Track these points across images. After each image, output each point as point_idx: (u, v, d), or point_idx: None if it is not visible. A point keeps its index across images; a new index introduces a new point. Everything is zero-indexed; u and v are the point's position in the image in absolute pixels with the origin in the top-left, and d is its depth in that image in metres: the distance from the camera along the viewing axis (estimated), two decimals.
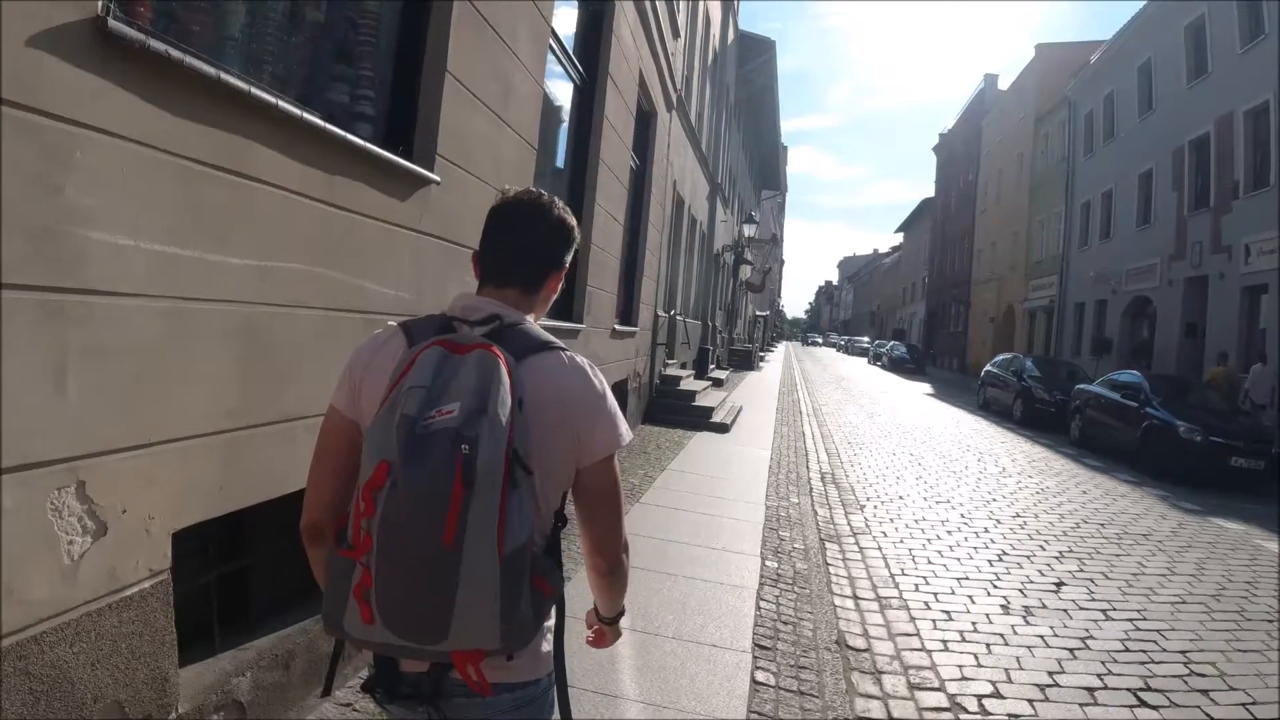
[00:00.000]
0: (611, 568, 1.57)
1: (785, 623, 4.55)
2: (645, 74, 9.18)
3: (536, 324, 1.53)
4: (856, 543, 6.63)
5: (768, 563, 5.62)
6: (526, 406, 1.30)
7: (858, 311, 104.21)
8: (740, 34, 22.89)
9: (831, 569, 5.80)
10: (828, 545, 6.43)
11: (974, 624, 4.93)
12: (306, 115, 2.69)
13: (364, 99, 3.56)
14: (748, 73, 24.21)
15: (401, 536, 1.17)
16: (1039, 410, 18.08)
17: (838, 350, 69.92)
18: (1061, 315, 30.84)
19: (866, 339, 67.14)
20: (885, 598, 5.28)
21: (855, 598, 5.23)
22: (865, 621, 4.81)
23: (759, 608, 4.69)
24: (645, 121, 10.21)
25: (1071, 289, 29.98)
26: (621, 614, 1.78)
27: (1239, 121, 18.89)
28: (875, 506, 8.11)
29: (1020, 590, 5.68)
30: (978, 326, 42.13)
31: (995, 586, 5.72)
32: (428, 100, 3.71)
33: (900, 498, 8.65)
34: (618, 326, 8.66)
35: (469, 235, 4.13)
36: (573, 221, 1.65)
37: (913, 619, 4.93)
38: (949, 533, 7.20)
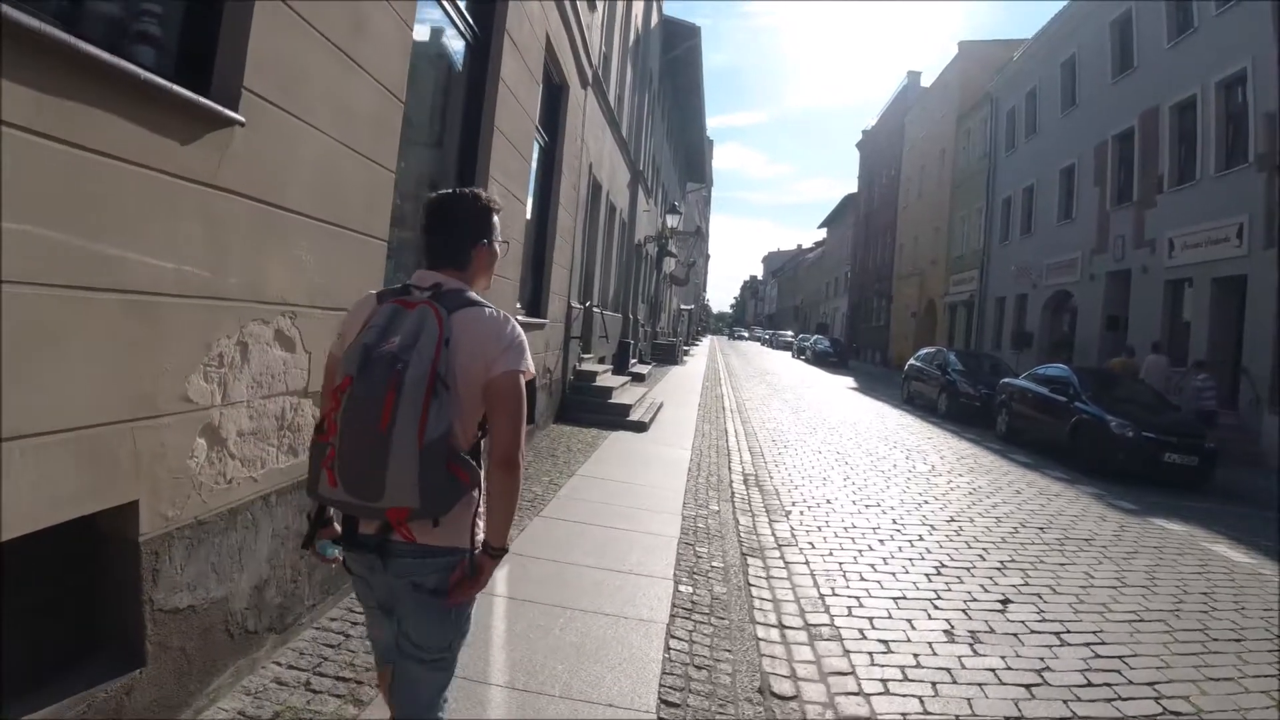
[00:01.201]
0: (503, 463, 1.96)
1: (699, 667, 3.81)
2: (554, 41, 8.35)
3: (475, 290, 2.12)
4: (782, 557, 5.97)
5: (682, 587, 4.89)
6: (452, 343, 1.91)
7: (782, 306, 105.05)
8: (664, 19, 22.16)
9: (754, 591, 5.11)
10: (750, 561, 5.74)
11: (916, 656, 4.28)
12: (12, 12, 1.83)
13: (148, 15, 2.68)
14: (672, 60, 23.50)
15: (353, 425, 1.83)
16: (964, 404, 17.90)
17: (762, 344, 70.01)
18: (982, 309, 31.10)
19: (790, 333, 67.44)
20: (815, 626, 4.60)
21: (781, 627, 4.55)
22: (793, 658, 4.12)
23: (668, 649, 3.94)
24: (555, 95, 9.38)
25: (992, 283, 30.24)
26: (505, 551, 2.05)
27: (1165, 116, 18.96)
28: (801, 512, 7.48)
29: (964, 610, 5.09)
30: (900, 320, 42.49)
31: (936, 607, 5.11)
32: (233, 20, 2.84)
33: (828, 501, 8.06)
34: (522, 318, 7.82)
35: (296, 195, 3.27)
36: (488, 203, 2.21)
37: (846, 652, 4.26)
38: (881, 542, 6.60)
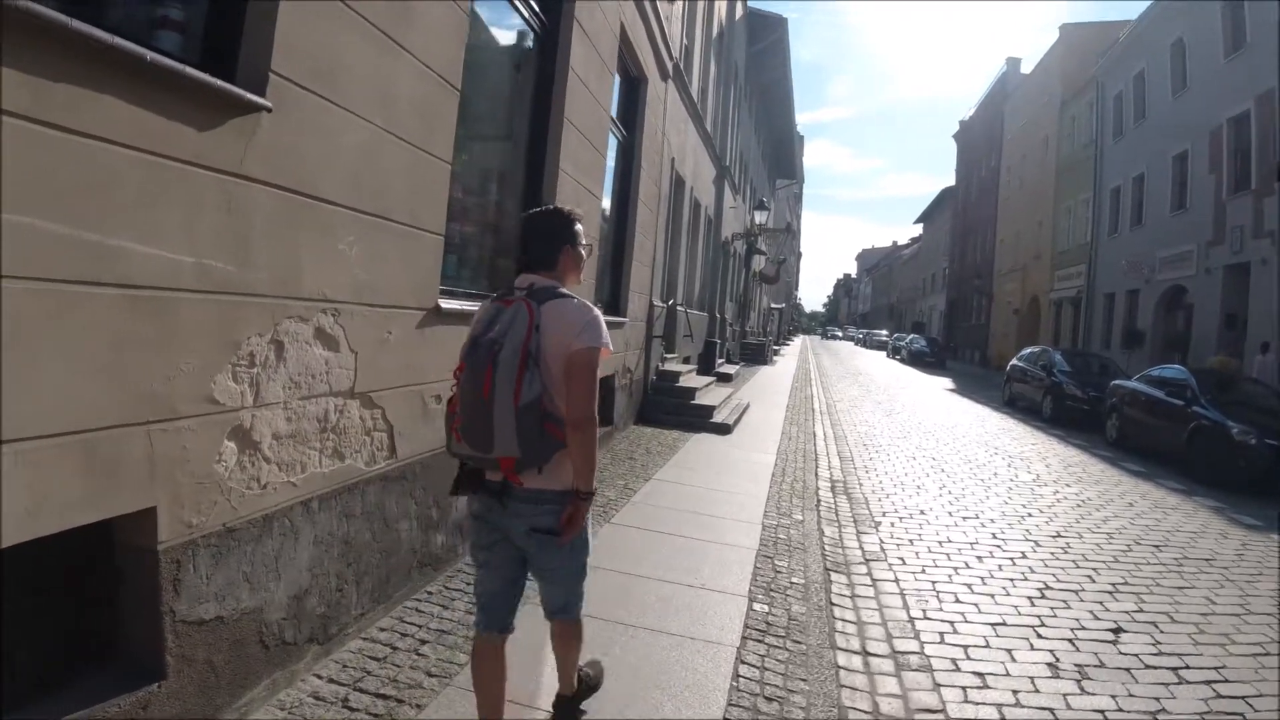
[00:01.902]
0: (576, 423, 2.41)
1: (770, 699, 3.48)
2: (630, 31, 8.11)
3: (566, 286, 2.61)
4: (869, 573, 5.55)
5: (756, 606, 4.56)
6: (542, 328, 2.41)
7: (876, 304, 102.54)
8: (749, 11, 21.71)
9: (837, 611, 4.72)
10: (834, 577, 5.35)
11: (1015, 693, 3.84)
12: None
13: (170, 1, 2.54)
14: (758, 53, 23.02)
15: (466, 395, 2.39)
16: (1070, 408, 16.86)
17: (856, 344, 68.47)
18: (1090, 306, 29.49)
19: (885, 332, 65.67)
20: (903, 654, 4.21)
21: (865, 654, 4.16)
22: (876, 691, 3.74)
23: (737, 676, 3.62)
24: (633, 88, 9.15)
25: (1100, 278, 28.65)
26: (592, 493, 2.52)
27: None
28: (892, 524, 7.02)
29: (1070, 640, 4.59)
30: (1000, 319, 40.81)
31: (1039, 635, 4.63)
32: (259, 1, 2.67)
33: (922, 512, 7.55)
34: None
35: (334, 186, 3.09)
36: (569, 211, 2.79)
37: (937, 686, 3.85)
38: (979, 559, 6.10)
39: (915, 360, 38.81)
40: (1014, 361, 21.31)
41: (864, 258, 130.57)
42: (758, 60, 23.65)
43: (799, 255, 79.60)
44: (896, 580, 5.47)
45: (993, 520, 7.45)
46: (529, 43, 5.84)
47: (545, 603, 2.78)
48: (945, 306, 55.20)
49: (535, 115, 5.85)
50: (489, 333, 2.42)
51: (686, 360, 14.34)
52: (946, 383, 27.91)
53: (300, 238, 2.93)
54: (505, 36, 5.70)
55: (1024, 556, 6.31)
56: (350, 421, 3.40)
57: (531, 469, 2.40)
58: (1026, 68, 42.73)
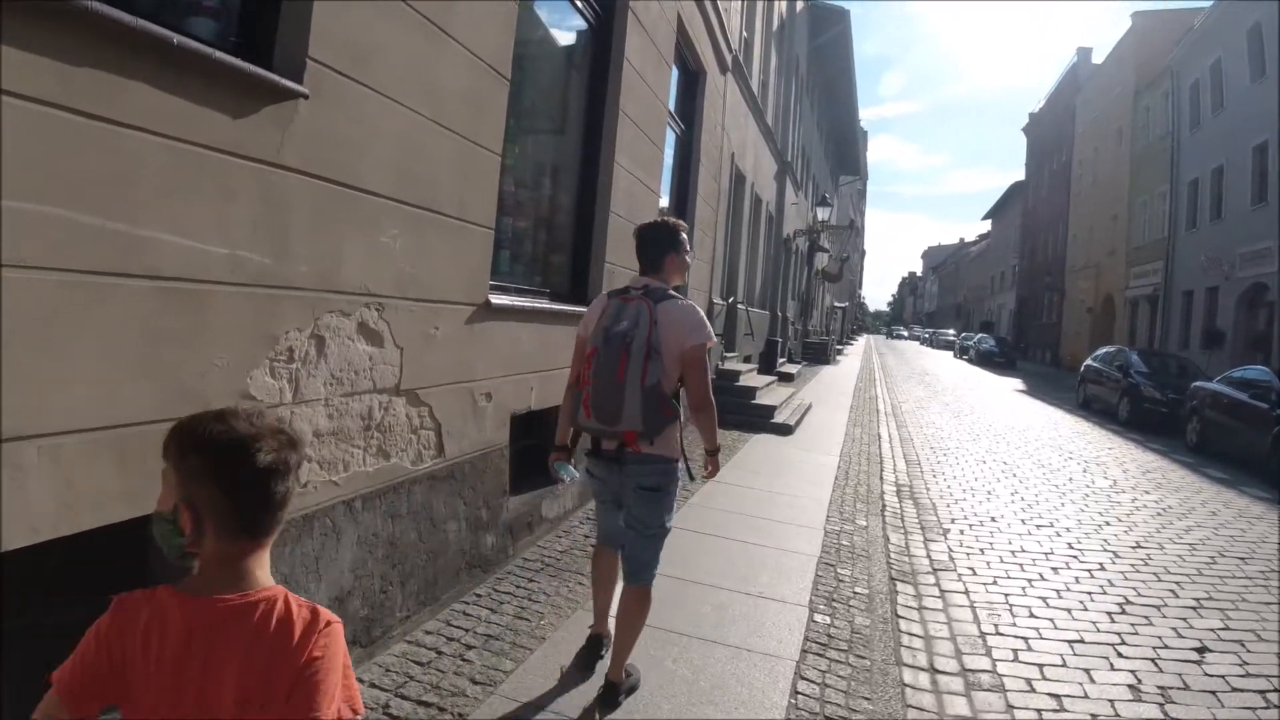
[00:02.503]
0: (698, 406, 3.02)
1: (830, 718, 3.28)
2: (687, 23, 7.93)
3: (670, 287, 3.09)
4: (937, 584, 5.29)
5: (818, 617, 4.35)
6: (659, 324, 2.90)
7: (943, 303, 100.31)
8: (811, 3, 21.29)
9: (902, 624, 4.49)
10: (899, 587, 5.10)
11: (1094, 718, 3.57)
12: None
13: None
14: (820, 46, 22.59)
15: (600, 377, 2.91)
16: (1148, 411, 16.12)
17: (921, 343, 67.03)
18: (1167, 304, 28.32)
19: (952, 332, 64.16)
20: (973, 672, 3.96)
21: (932, 671, 3.92)
22: (944, 712, 3.51)
23: (796, 693, 3.42)
24: (691, 81, 8.97)
25: (1178, 275, 27.50)
26: (719, 449, 3.24)
27: None
28: (961, 531, 6.71)
29: (1153, 660, 4.28)
30: (1073, 317, 39.53)
31: (1119, 654, 4.33)
32: None
33: (992, 519, 7.22)
34: None
35: (377, 176, 2.99)
36: (674, 223, 3.26)
37: (1010, 708, 3.60)
38: (1055, 571, 5.77)
39: (984, 360, 37.78)
40: (1088, 362, 20.52)
41: (930, 255, 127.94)
42: (819, 54, 23.21)
43: (863, 253, 78.34)
44: (966, 592, 5.20)
45: (1068, 529, 7.09)
46: (582, 33, 5.72)
47: (626, 564, 3.19)
48: (1015, 305, 53.73)
49: (589, 108, 5.72)
50: (619, 325, 2.95)
51: (747, 359, 14.10)
52: (1017, 383, 27.08)
53: (341, 230, 2.83)
54: (558, 27, 5.59)
55: (1102, 568, 5.97)
56: (395, 419, 3.30)
57: (647, 440, 2.95)
58: (1098, 57, 41.35)
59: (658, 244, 3.14)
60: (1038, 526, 7.09)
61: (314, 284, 2.72)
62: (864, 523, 6.61)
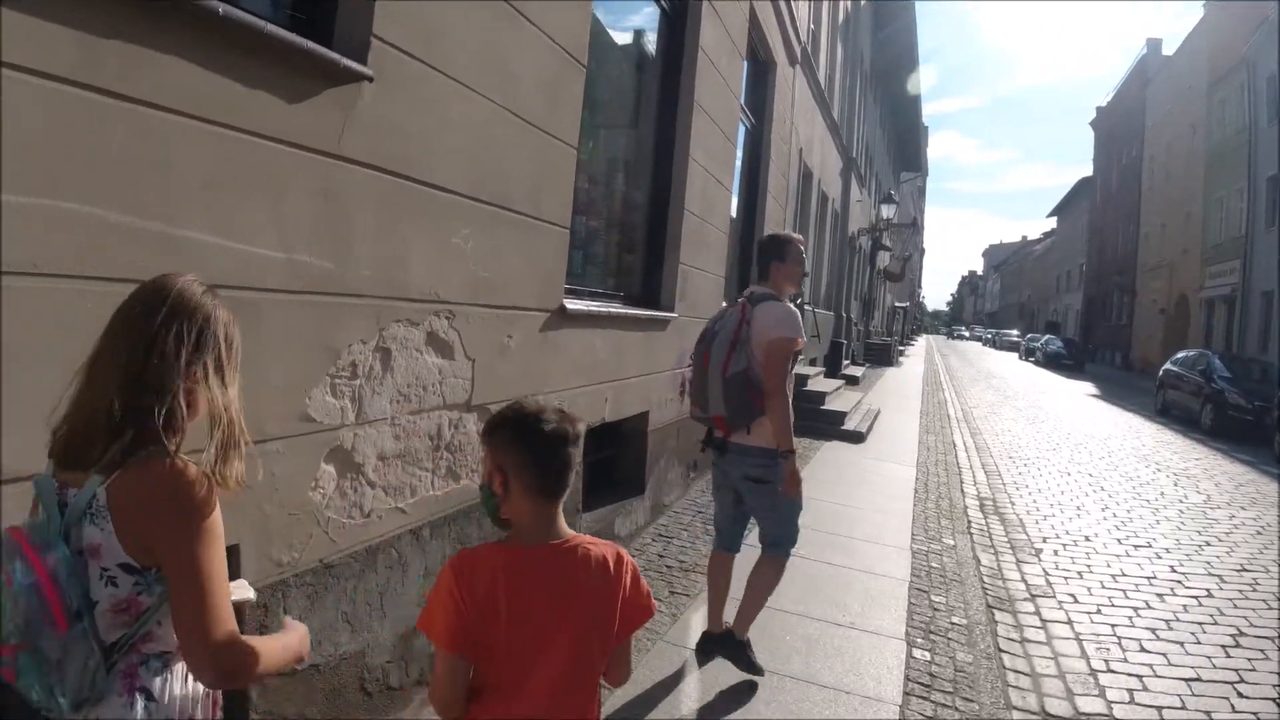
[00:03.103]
0: (768, 395, 3.14)
1: None
2: (759, 12, 7.55)
3: (777, 295, 3.32)
4: (1037, 612, 4.87)
5: (917, 652, 3.96)
6: (752, 323, 3.18)
7: (1005, 303, 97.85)
8: None
9: (1006, 660, 4.08)
10: (997, 616, 4.69)
11: None
12: None
13: None
14: (883, 39, 21.96)
15: (694, 368, 3.41)
16: (1232, 419, 15.23)
17: (984, 344, 65.32)
18: (1245, 305, 26.92)
19: (1015, 332, 62.39)
20: (1089, 716, 3.54)
21: (1045, 715, 3.53)
22: None
23: None
24: (761, 73, 8.58)
25: (1258, 275, 26.12)
26: (791, 452, 3.20)
27: None
28: (1055, 552, 6.24)
29: (1276, 700, 3.83)
30: (1145, 319, 38.00)
31: (1240, 693, 3.90)
32: None
33: (1086, 538, 6.72)
34: None
35: (447, 170, 2.70)
36: (784, 235, 3.57)
37: None
38: (1160, 597, 5.30)
39: (1051, 362, 36.54)
40: (1167, 366, 19.56)
41: (991, 253, 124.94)
42: (883, 47, 22.57)
43: (922, 252, 76.69)
44: (1070, 622, 4.78)
45: (1167, 550, 6.56)
46: (657, 21, 5.38)
47: (761, 535, 3.44)
48: (1082, 305, 52.00)
49: (663, 100, 5.39)
50: (715, 324, 3.37)
51: (813, 362, 13.64)
52: (1088, 387, 26.04)
53: (409, 229, 2.55)
54: (632, 13, 5.27)
55: (1209, 595, 5.48)
56: (466, 438, 3.01)
57: (740, 428, 3.20)
58: (1168, 49, 39.75)
59: (764, 253, 3.47)
60: (1135, 547, 6.59)
61: (379, 290, 2.44)
62: (951, 541, 6.19)
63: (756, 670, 3.41)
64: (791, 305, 3.30)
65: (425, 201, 2.61)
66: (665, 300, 5.33)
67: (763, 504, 3.32)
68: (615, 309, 4.42)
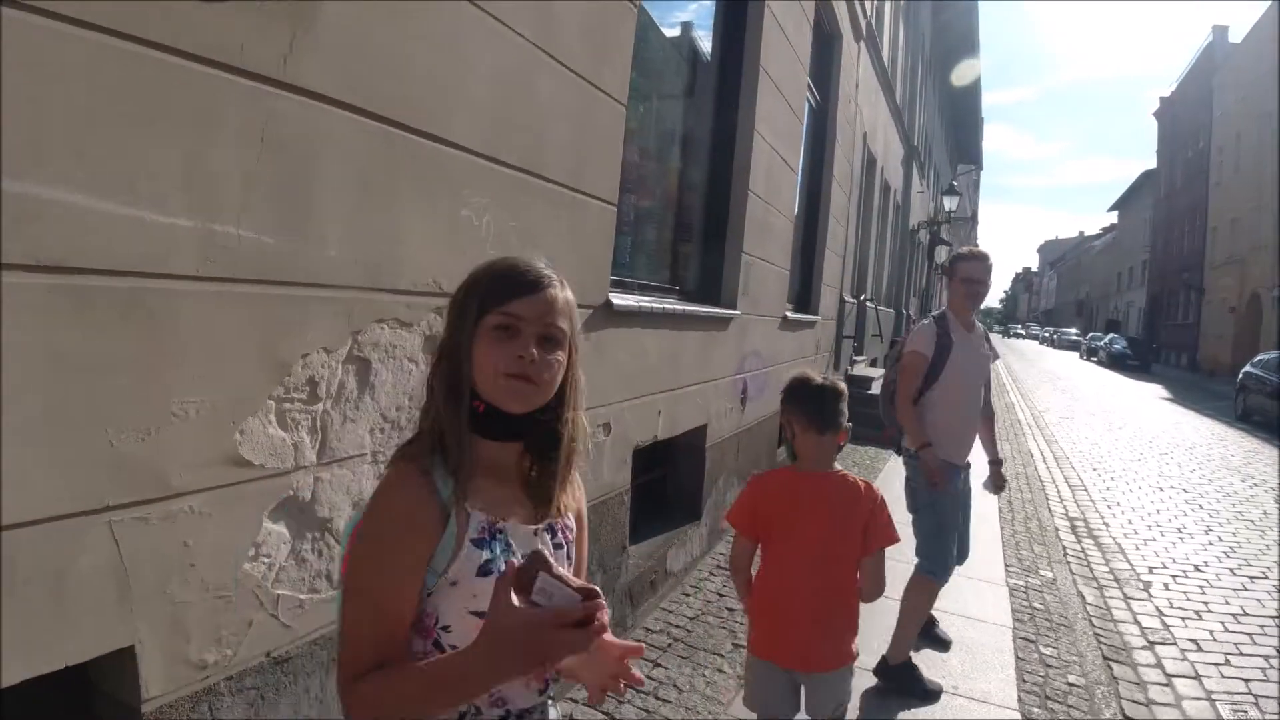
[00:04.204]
0: (899, 403, 3.60)
1: None
2: None
3: (950, 311, 3.62)
4: (1159, 664, 4.18)
5: None
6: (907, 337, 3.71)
7: (1061, 300, 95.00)
8: None
9: None
10: (1116, 671, 3.97)
11: None
12: None
13: None
14: (944, 23, 20.88)
15: None
16: None
17: (1041, 343, 63.32)
18: None
19: (1075, 330, 60.35)
20: None
21: None
22: None
23: None
24: (827, 45, 7.79)
25: None
26: (924, 444, 3.42)
27: None
28: (1165, 585, 5.47)
29: None
30: (1213, 317, 36.21)
31: None
32: None
33: (1196, 569, 5.91)
34: (790, 314, 6.34)
35: (451, 118, 2.02)
36: (956, 252, 3.87)
37: None
38: None
39: (1115, 363, 35.06)
40: (1248, 369, 18.29)
41: (1046, 249, 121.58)
42: (942, 31, 21.50)
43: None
44: (1198, 676, 4.10)
45: None
46: None
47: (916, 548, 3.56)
48: (1145, 303, 49.98)
49: (726, 62, 4.66)
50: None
51: (874, 363, 12.78)
52: (1158, 390, 24.72)
53: (401, 195, 1.87)
54: None
55: None
56: None
57: (892, 433, 3.62)
58: (1235, 36, 37.76)
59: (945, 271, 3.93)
60: (1251, 579, 5.79)
61: (353, 279, 1.77)
62: (1049, 574, 5.41)
63: (931, 696, 3.36)
64: (927, 321, 3.62)
65: (425, 159, 1.94)
66: (726, 296, 4.61)
67: (913, 509, 3.52)
68: (670, 305, 3.70)
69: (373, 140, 1.78)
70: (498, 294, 1.09)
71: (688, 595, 4.06)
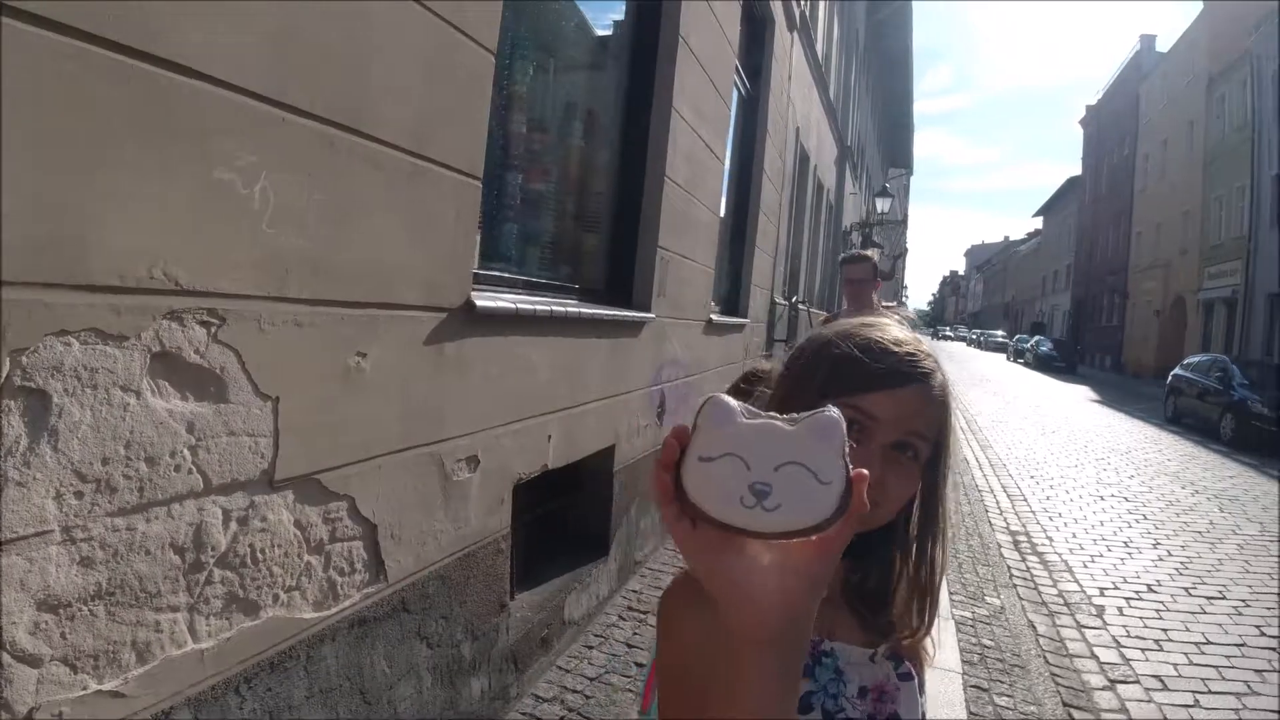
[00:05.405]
0: None
1: None
2: None
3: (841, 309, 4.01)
4: (1124, 711, 3.83)
5: None
6: None
7: (988, 303, 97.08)
8: None
9: None
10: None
11: None
12: None
13: None
14: (878, 23, 20.72)
15: None
16: (1257, 429, 14.11)
17: (968, 344, 64.49)
18: (1249, 308, 25.98)
19: (1001, 333, 61.55)
20: None
21: None
22: None
23: None
24: (759, 30, 7.27)
25: (1262, 276, 25.24)
26: None
27: None
28: (1120, 610, 5.15)
29: None
30: (1138, 320, 37.19)
31: None
32: None
33: (1150, 589, 5.59)
34: (716, 317, 5.78)
35: (212, 44, 1.37)
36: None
37: None
38: (1260, 674, 4.26)
39: (1042, 365, 35.71)
40: (1178, 371, 18.51)
41: (974, 254, 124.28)
42: (876, 32, 21.35)
43: (906, 251, 75.42)
44: None
45: (1245, 603, 5.46)
46: None
47: None
48: (1070, 306, 51.22)
49: (639, 26, 4.06)
50: None
51: None
52: (1086, 391, 25.04)
53: (104, 143, 1.22)
54: None
55: None
56: (271, 537, 1.69)
57: None
58: (1163, 45, 38.90)
59: None
60: (1208, 599, 5.49)
61: (22, 270, 1.12)
62: (996, 601, 5.00)
63: None
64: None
65: (154, 94, 1.30)
66: (639, 297, 4.00)
67: None
68: (568, 308, 3.07)
69: (61, 61, 1.13)
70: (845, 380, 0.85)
71: (590, 648, 3.44)
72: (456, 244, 2.19)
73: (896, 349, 0.86)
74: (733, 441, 0.54)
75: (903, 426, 0.83)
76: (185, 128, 1.39)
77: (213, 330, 1.49)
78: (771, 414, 0.56)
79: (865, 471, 0.57)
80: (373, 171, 1.84)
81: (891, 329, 0.89)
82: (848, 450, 0.56)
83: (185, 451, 1.46)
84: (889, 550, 0.91)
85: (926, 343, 0.90)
